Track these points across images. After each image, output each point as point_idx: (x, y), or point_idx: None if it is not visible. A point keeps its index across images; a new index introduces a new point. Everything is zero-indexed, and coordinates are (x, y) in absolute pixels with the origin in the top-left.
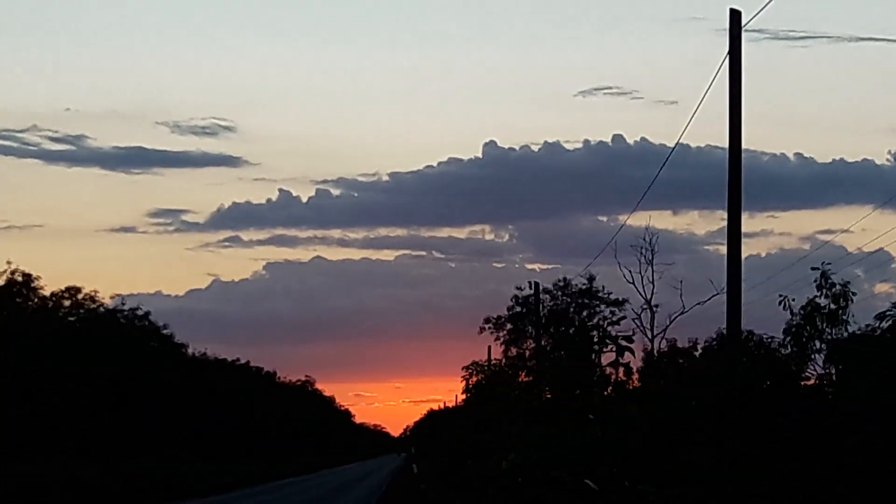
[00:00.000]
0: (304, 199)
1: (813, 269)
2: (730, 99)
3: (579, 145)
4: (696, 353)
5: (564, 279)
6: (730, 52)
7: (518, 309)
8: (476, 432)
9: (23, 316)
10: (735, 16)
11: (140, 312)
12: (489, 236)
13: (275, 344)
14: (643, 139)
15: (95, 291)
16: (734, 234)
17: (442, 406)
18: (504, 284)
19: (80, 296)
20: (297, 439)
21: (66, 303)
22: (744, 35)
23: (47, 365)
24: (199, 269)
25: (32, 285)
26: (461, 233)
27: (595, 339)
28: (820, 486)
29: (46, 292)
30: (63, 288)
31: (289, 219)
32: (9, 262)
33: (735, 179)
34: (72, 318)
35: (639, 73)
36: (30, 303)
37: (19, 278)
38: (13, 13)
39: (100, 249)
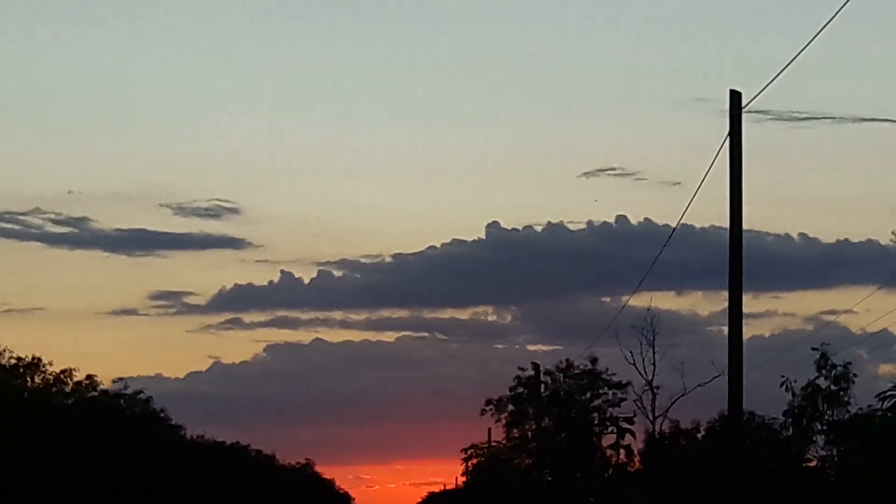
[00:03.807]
0: (307, 281)
1: (813, 349)
2: (730, 180)
3: (583, 226)
4: (699, 435)
5: (566, 361)
6: (730, 134)
7: (520, 390)
8: None
9: (24, 398)
10: (735, 97)
11: (142, 397)
12: (492, 317)
13: (275, 426)
14: (647, 220)
15: (96, 376)
16: (735, 316)
17: (443, 488)
18: (506, 365)
19: (79, 378)
20: None
21: (67, 387)
22: (745, 116)
23: (46, 448)
24: (199, 352)
25: (41, 367)
26: (464, 314)
27: (596, 421)
28: None
29: (51, 375)
30: (60, 370)
31: (290, 300)
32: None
33: (736, 260)
34: (71, 401)
35: (642, 154)
36: (32, 385)
37: (28, 359)
38: (15, 95)
39: (100, 332)
